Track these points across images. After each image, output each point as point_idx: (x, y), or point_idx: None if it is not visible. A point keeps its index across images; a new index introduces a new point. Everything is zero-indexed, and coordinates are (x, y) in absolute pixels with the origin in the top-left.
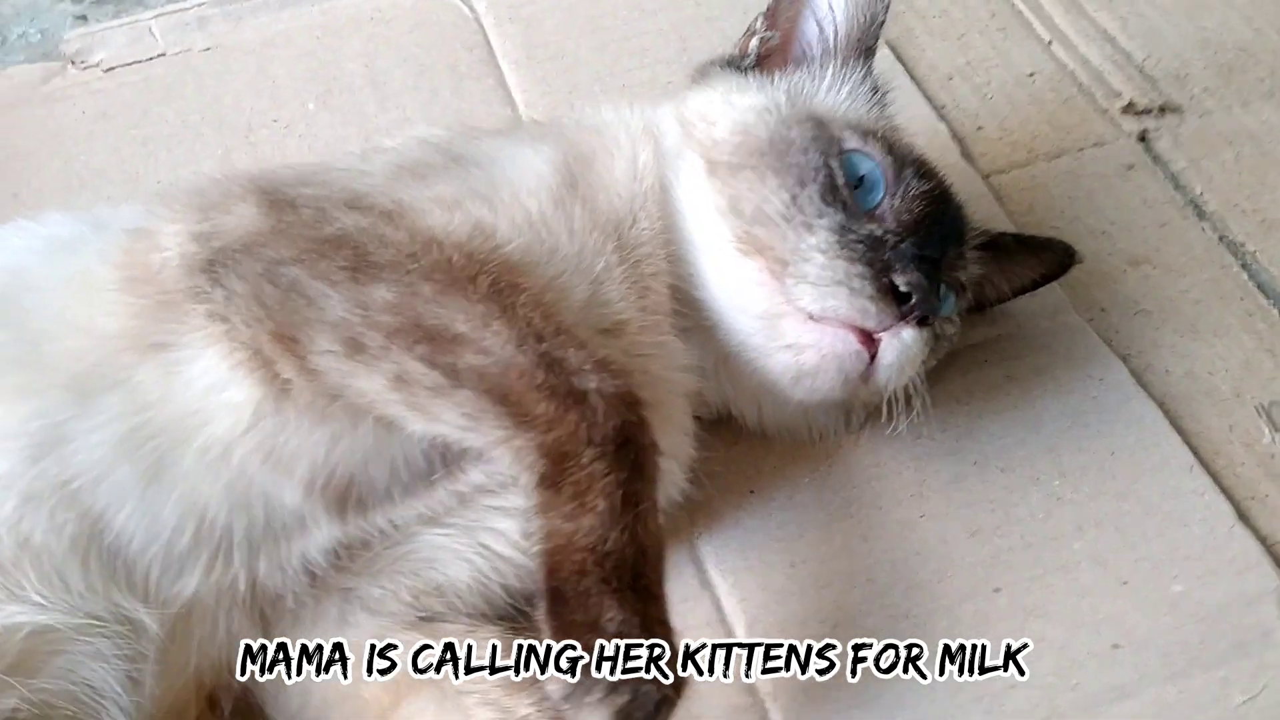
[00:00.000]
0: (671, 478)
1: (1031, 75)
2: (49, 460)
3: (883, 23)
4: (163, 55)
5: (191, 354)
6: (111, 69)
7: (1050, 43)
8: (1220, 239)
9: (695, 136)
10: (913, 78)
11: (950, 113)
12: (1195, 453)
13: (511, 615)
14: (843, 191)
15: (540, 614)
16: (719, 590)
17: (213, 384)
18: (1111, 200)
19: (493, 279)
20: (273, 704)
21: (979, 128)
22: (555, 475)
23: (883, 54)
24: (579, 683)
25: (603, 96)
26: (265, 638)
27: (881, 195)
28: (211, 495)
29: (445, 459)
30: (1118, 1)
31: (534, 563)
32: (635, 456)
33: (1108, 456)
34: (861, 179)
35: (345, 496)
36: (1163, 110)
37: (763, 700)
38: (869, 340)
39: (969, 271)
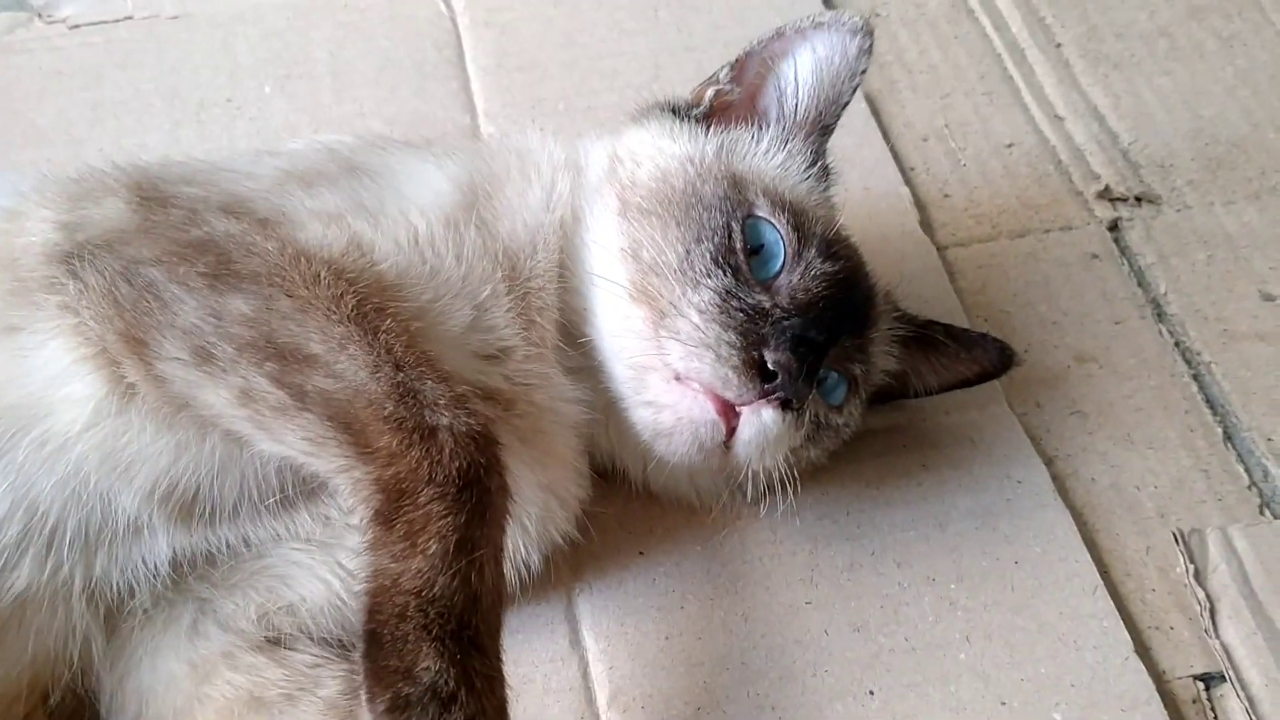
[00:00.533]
0: (553, 517)
1: (1010, 146)
2: None
3: (847, 104)
4: (129, 18)
5: (39, 341)
6: (77, 26)
7: (1035, 115)
8: (1176, 344)
9: (618, 174)
10: (886, 135)
11: (918, 176)
12: (1104, 573)
13: None
14: (738, 256)
15: (356, 656)
16: (589, 654)
17: (56, 375)
18: (1069, 289)
19: (359, 300)
20: (110, 710)
21: (945, 195)
22: (390, 512)
23: (858, 106)
24: None
25: (565, 115)
26: (109, 636)
27: (779, 269)
28: (44, 489)
29: (301, 479)
30: (1114, 78)
31: (357, 602)
32: (479, 499)
33: (1011, 565)
34: (761, 248)
35: (190, 508)
36: (1139, 200)
37: None
38: (730, 412)
39: (869, 363)
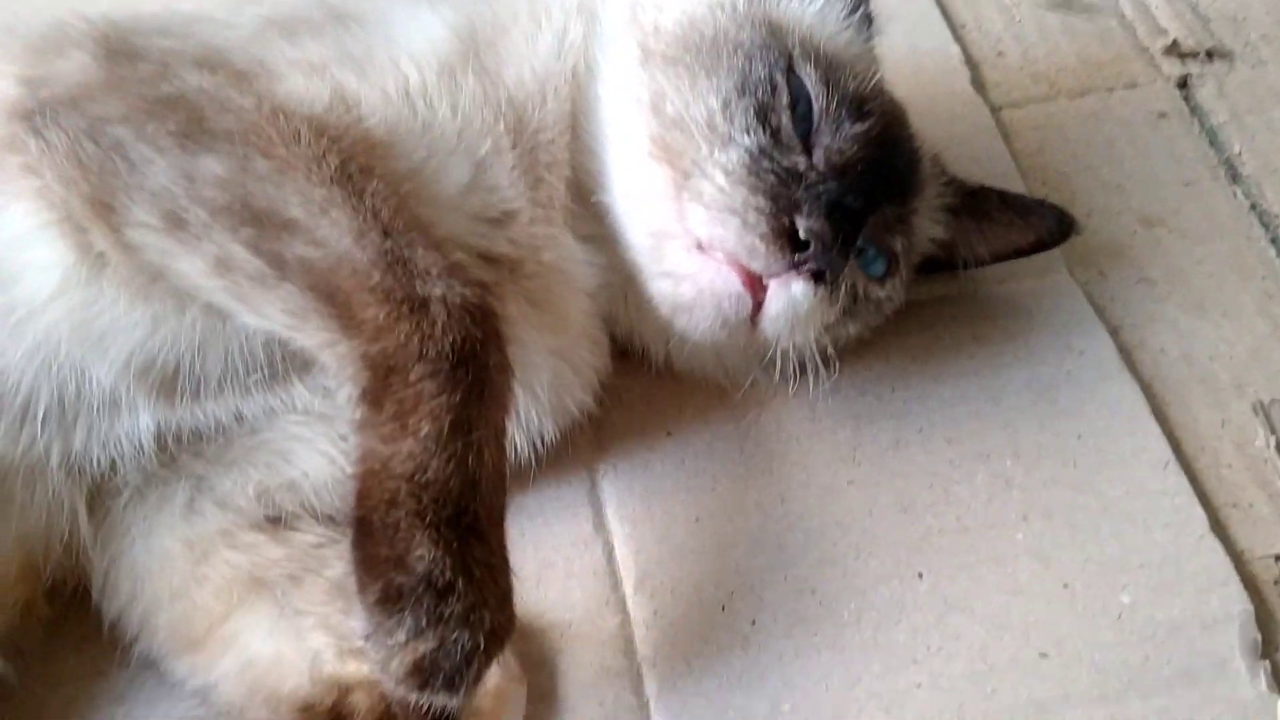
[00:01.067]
0: (567, 385)
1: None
2: None
3: None
4: None
5: (6, 193)
6: None
7: None
8: (1252, 207)
9: (639, 20)
10: None
11: (969, 33)
12: (1176, 447)
13: None
14: (780, 114)
15: (347, 544)
16: (614, 537)
17: (19, 239)
18: (1134, 150)
19: (343, 160)
20: (104, 592)
21: (999, 53)
22: (378, 391)
23: None
24: (380, 622)
25: None
26: (96, 513)
27: (813, 127)
28: (14, 359)
29: (290, 352)
30: None
31: (347, 487)
32: (476, 377)
33: (1073, 440)
34: (796, 104)
35: (172, 383)
36: (1210, 55)
37: (639, 665)
38: (756, 285)
39: (912, 235)
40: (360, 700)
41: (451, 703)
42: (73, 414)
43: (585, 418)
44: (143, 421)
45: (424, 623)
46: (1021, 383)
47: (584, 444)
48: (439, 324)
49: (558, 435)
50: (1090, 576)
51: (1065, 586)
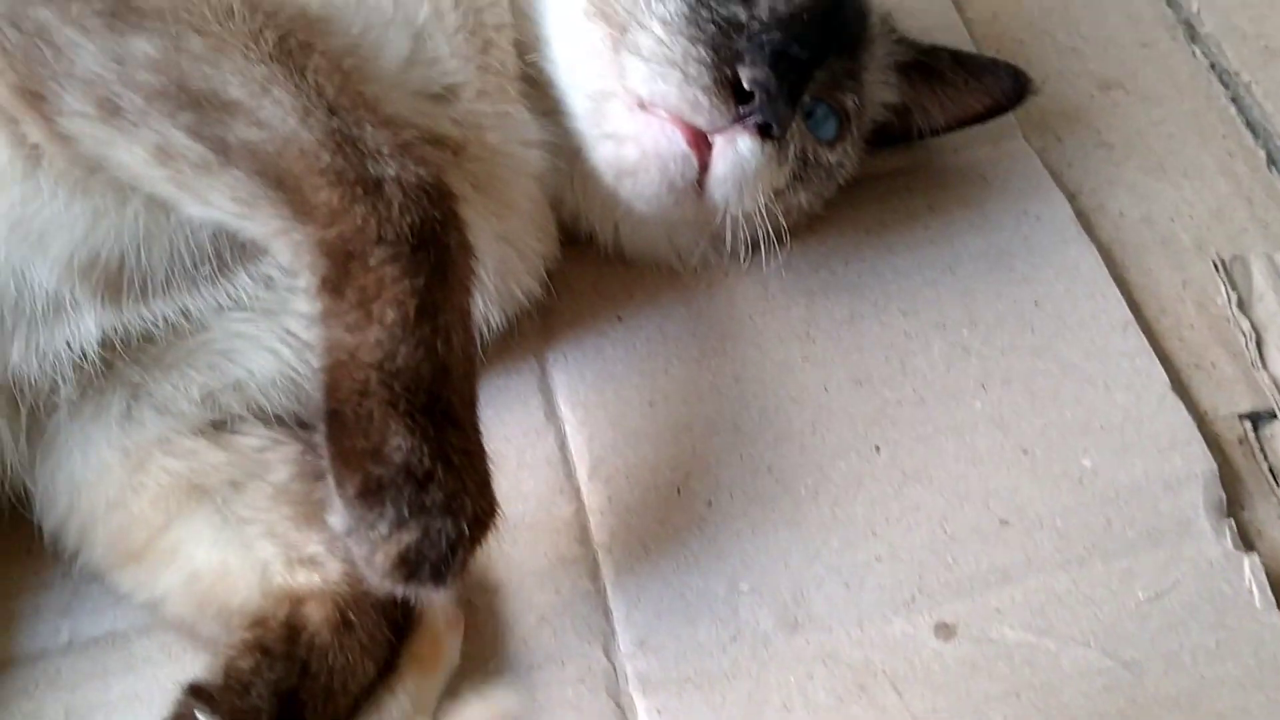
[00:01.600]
0: (513, 271)
1: None
2: None
3: None
4: None
5: None
6: None
7: None
8: (1211, 66)
9: None
10: None
11: None
12: (1136, 309)
13: None
14: None
15: (319, 438)
16: (566, 425)
17: None
18: (1090, 11)
19: (281, 35)
20: (41, 506)
21: None
22: (338, 278)
23: None
24: (359, 515)
25: None
26: (30, 429)
27: None
28: None
29: (238, 242)
30: None
31: (314, 381)
32: (438, 259)
33: (1030, 306)
34: None
35: (117, 281)
36: None
37: (595, 552)
38: (702, 143)
39: (862, 93)
40: (313, 611)
41: (438, 593)
42: (11, 322)
43: (533, 306)
44: (86, 326)
45: (406, 513)
46: (977, 250)
47: (532, 332)
48: (395, 205)
49: (505, 323)
50: (1050, 441)
51: (1025, 452)
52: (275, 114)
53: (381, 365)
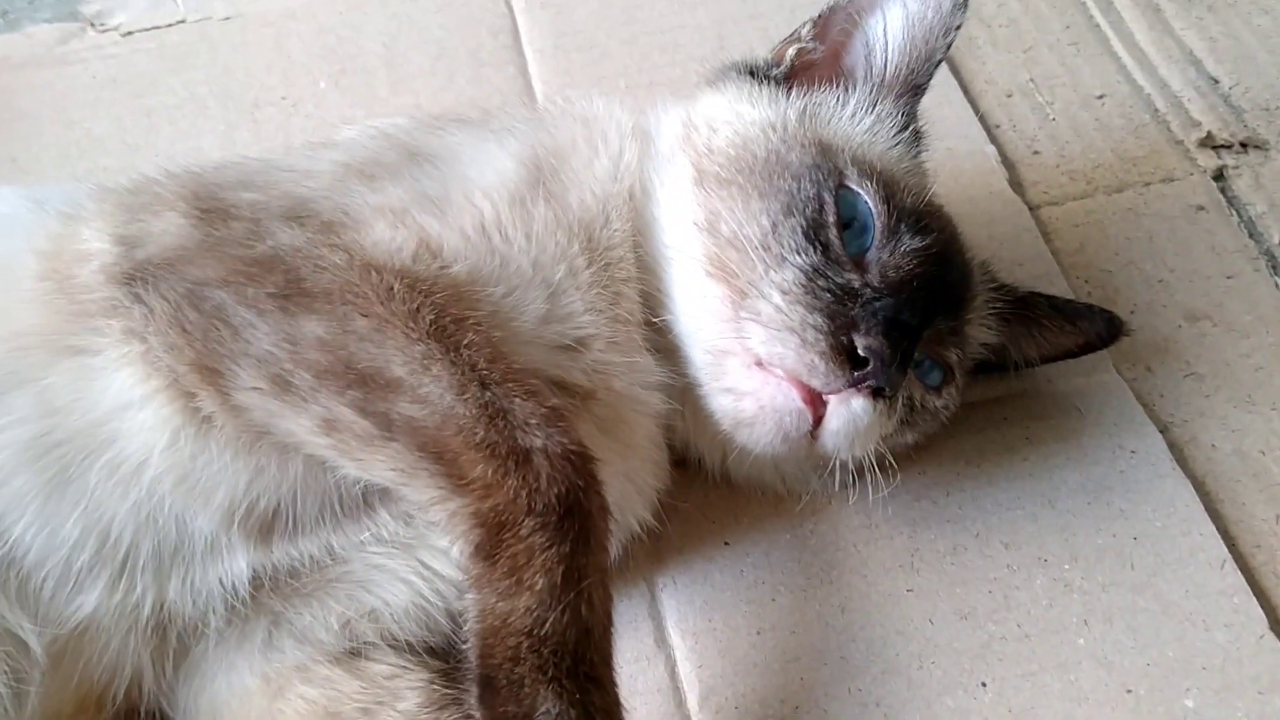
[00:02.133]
0: (631, 505)
1: (1101, 98)
2: None
3: (940, 61)
4: (182, 22)
5: (106, 366)
6: (130, 33)
7: (1126, 63)
8: None
9: (693, 141)
10: (966, 92)
11: (1004, 134)
12: (1231, 545)
13: (449, 651)
14: (830, 231)
15: (471, 700)
16: (676, 653)
17: (126, 403)
18: (1174, 245)
19: (437, 313)
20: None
21: (1035, 152)
22: (491, 547)
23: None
24: None
25: (627, 94)
26: (177, 655)
27: (869, 244)
28: (117, 513)
29: (383, 489)
30: (1209, 20)
31: (467, 643)
32: (581, 526)
33: (1129, 541)
34: (851, 221)
35: (270, 526)
36: (1245, 146)
37: None
38: (816, 400)
39: (965, 346)
40: None
41: None
42: (170, 563)
43: (644, 532)
44: (238, 565)
45: None
46: (1075, 484)
47: (642, 557)
48: (543, 476)
49: (619, 550)
50: (1153, 681)
51: (1129, 692)
52: (434, 390)
53: (531, 632)
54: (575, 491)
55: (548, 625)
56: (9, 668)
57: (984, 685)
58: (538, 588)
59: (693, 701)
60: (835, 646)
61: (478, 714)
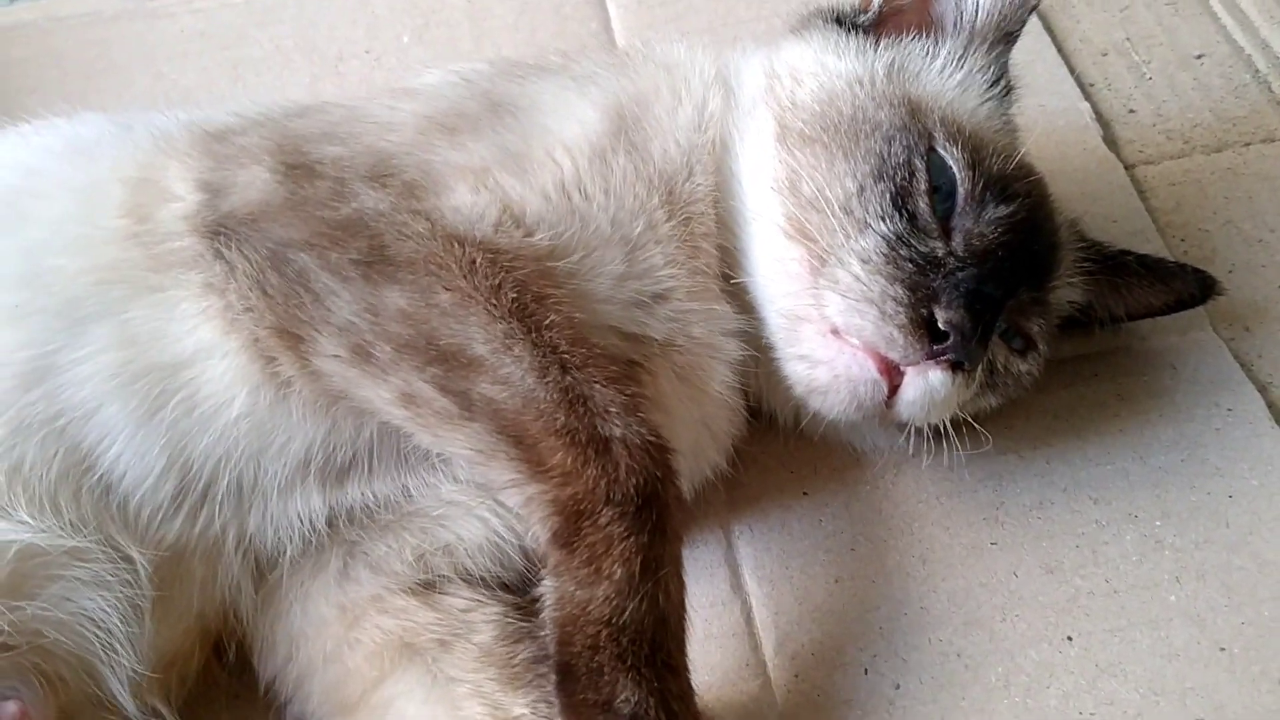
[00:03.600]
0: (706, 452)
1: (1200, 58)
2: (38, 391)
3: (1035, 7)
4: None
5: (186, 315)
6: None
7: (1226, 23)
8: None
9: (776, 93)
10: (1060, 50)
11: (1099, 92)
12: None
13: (523, 585)
14: (918, 198)
15: (551, 686)
16: (752, 599)
17: (207, 351)
18: (1275, 205)
19: (519, 290)
20: (262, 654)
21: (1130, 110)
22: (569, 535)
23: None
24: None
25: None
26: (260, 584)
27: (953, 210)
28: (196, 448)
29: None
30: None
31: (546, 628)
32: (658, 516)
33: (1224, 499)
34: (939, 186)
35: (345, 471)
36: None
37: None
38: (893, 371)
39: (1048, 317)
40: None
41: None
42: (249, 500)
43: (718, 478)
44: (313, 503)
45: None
46: (1169, 440)
47: (719, 505)
48: (622, 466)
49: (691, 495)
50: (1249, 640)
51: (1222, 650)
52: (516, 372)
53: (610, 621)
54: (653, 482)
55: (626, 614)
56: (130, 595)
57: (1070, 640)
58: (616, 577)
59: (769, 647)
60: (916, 597)
61: (557, 702)
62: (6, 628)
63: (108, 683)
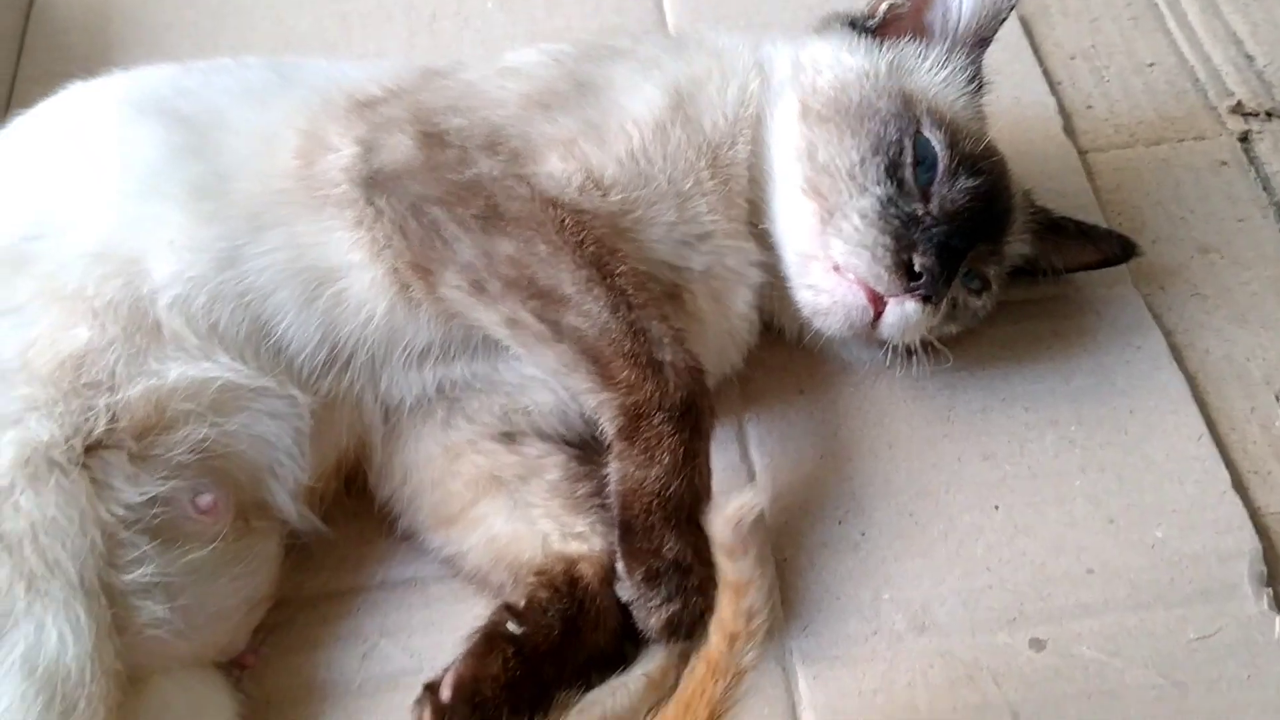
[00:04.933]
0: (728, 355)
1: (1151, 65)
2: (231, 272)
3: (1004, 19)
4: None
5: (341, 240)
6: None
7: (1177, 39)
8: None
9: (801, 80)
10: (1036, 53)
11: (1064, 89)
12: (1210, 425)
13: (583, 443)
14: (905, 169)
15: (614, 539)
16: (756, 466)
17: (355, 264)
18: (1197, 191)
19: (596, 245)
20: (379, 479)
21: (1089, 106)
22: (631, 430)
23: (1013, 26)
24: (643, 592)
25: (746, 30)
26: (385, 427)
27: (935, 179)
28: (343, 332)
29: None
30: (1254, 7)
31: (611, 499)
32: (696, 421)
33: (1126, 414)
34: (921, 162)
35: (454, 358)
36: (1269, 115)
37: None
38: (877, 300)
39: (1002, 263)
40: (585, 569)
41: (686, 644)
42: (380, 371)
43: (735, 376)
44: (427, 375)
45: (673, 592)
46: (1088, 368)
47: (733, 396)
48: (671, 383)
49: (714, 387)
50: (1132, 516)
51: (1111, 522)
52: (594, 308)
53: (660, 493)
54: (694, 396)
55: (671, 489)
56: (296, 425)
57: (996, 508)
58: (665, 463)
59: (766, 502)
60: (881, 472)
61: (619, 550)
62: (212, 437)
63: (274, 492)
